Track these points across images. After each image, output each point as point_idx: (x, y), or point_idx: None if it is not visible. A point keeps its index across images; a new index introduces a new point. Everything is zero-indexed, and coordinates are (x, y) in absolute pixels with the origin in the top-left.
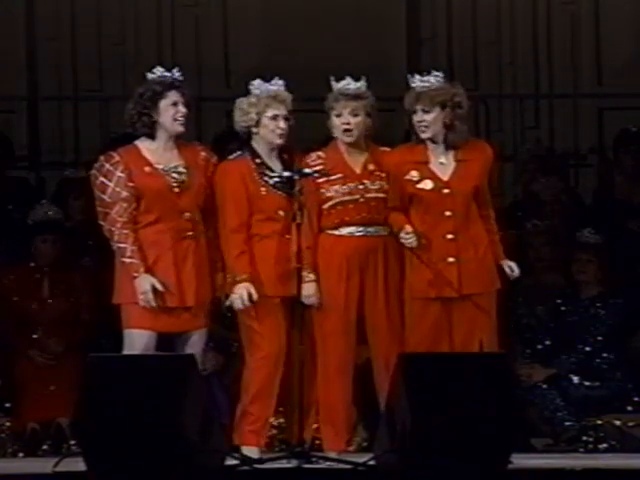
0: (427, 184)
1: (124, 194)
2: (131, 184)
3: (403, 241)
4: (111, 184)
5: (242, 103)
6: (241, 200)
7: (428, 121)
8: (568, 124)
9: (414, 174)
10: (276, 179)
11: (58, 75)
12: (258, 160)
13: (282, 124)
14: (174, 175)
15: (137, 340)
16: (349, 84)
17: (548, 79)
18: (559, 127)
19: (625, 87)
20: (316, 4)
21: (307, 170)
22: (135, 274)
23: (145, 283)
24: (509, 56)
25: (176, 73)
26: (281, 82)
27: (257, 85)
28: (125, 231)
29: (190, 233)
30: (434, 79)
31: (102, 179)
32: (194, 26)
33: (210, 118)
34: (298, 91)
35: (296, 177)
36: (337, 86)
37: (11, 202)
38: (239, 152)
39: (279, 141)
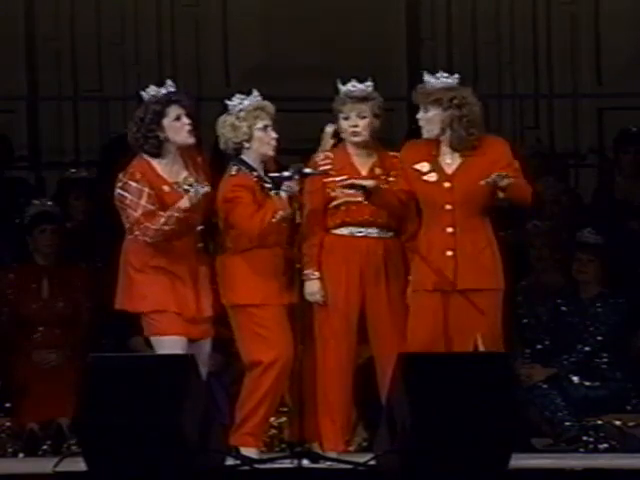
0: (432, 176)
1: (153, 208)
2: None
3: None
4: (142, 201)
5: (229, 120)
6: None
7: (425, 119)
8: (568, 124)
9: (425, 165)
10: (274, 188)
11: (58, 75)
12: (255, 173)
13: (273, 134)
14: (186, 188)
15: (172, 347)
16: (355, 86)
17: (547, 79)
18: (559, 127)
19: (625, 87)
20: (316, 4)
21: (307, 170)
22: (185, 198)
23: (193, 193)
24: (508, 56)
25: (169, 87)
26: (258, 93)
27: (239, 100)
28: (162, 220)
29: (200, 245)
30: (446, 79)
31: (131, 198)
32: (194, 26)
33: (210, 118)
34: (298, 91)
35: (296, 177)
36: (343, 89)
37: (11, 202)
38: (234, 167)
39: (272, 153)
